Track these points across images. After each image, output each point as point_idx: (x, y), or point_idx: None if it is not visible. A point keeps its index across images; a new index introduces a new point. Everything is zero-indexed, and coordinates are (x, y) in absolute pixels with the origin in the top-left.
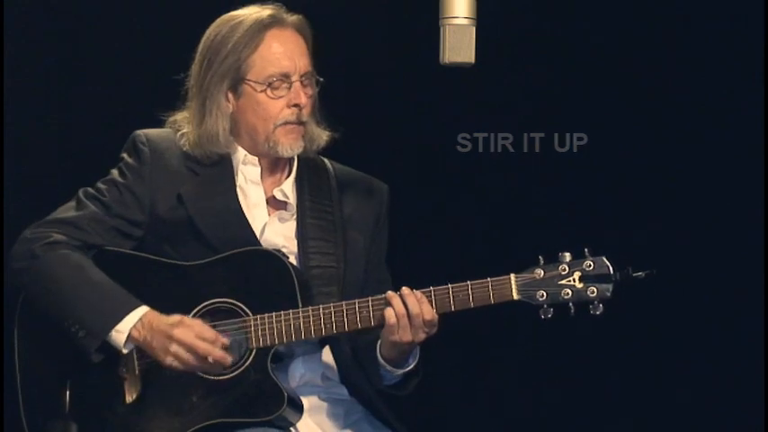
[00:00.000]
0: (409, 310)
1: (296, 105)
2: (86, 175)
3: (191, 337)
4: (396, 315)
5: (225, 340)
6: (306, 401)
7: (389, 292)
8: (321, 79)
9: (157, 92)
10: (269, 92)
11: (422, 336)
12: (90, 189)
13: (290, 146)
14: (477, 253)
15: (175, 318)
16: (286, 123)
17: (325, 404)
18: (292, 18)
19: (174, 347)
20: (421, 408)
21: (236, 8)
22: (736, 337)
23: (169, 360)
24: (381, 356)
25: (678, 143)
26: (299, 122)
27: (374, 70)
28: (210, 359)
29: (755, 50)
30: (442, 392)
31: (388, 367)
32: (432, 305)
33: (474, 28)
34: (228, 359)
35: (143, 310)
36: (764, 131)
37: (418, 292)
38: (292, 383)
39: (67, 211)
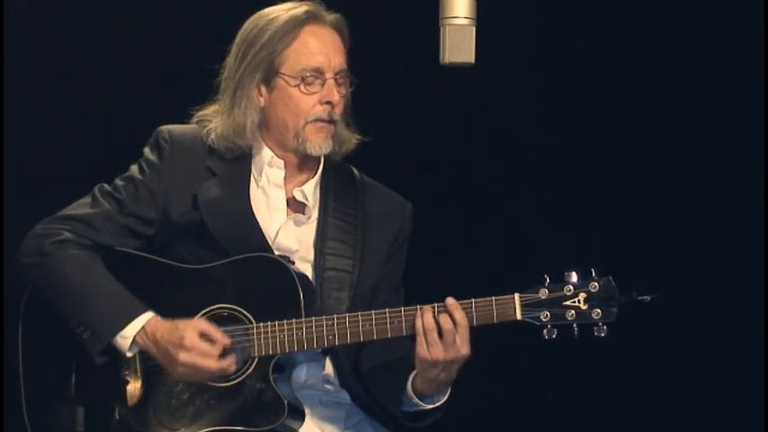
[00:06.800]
0: (424, 325)
1: (328, 103)
2: (87, 172)
3: (193, 358)
4: (424, 328)
5: (227, 341)
6: (307, 404)
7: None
8: (356, 80)
9: (166, 89)
10: (302, 87)
11: (451, 353)
12: (106, 186)
13: (318, 144)
14: (476, 260)
15: (177, 335)
16: (317, 120)
17: (326, 407)
18: (330, 16)
19: (180, 369)
20: None
21: (263, 7)
22: (736, 346)
23: (177, 376)
24: (413, 388)
25: (684, 143)
26: (330, 120)
27: (374, 70)
28: (215, 370)
29: (756, 52)
30: None
31: (414, 399)
32: None
33: (474, 28)
34: (232, 366)
35: (147, 316)
36: (765, 139)
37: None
38: (295, 386)
39: (81, 207)
